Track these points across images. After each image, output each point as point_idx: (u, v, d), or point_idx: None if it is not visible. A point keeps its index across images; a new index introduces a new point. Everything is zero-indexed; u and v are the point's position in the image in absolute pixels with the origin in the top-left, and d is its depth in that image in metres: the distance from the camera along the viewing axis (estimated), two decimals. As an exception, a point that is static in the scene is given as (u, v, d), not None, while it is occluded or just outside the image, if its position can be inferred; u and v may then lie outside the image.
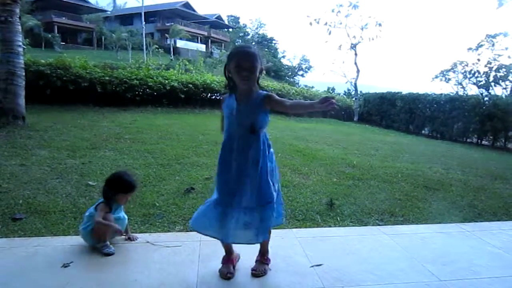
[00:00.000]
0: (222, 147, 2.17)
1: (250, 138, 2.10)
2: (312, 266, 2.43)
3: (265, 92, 2.14)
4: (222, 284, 2.21)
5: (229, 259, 2.34)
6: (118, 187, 2.58)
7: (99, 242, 2.51)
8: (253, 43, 52.81)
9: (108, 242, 2.52)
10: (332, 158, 6.04)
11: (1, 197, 3.41)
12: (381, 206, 3.83)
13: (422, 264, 2.53)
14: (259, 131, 2.11)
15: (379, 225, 3.35)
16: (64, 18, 43.01)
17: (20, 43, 6.93)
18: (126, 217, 2.70)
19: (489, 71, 13.14)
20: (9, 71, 6.65)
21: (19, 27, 6.89)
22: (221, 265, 2.32)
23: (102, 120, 8.26)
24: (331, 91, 25.17)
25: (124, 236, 2.68)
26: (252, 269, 2.33)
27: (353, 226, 3.31)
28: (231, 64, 2.07)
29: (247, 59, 2.04)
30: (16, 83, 6.72)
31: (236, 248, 2.39)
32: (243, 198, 2.11)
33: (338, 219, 3.43)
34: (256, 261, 2.37)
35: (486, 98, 11.91)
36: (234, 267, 2.34)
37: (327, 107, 1.84)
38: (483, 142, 11.74)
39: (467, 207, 4.05)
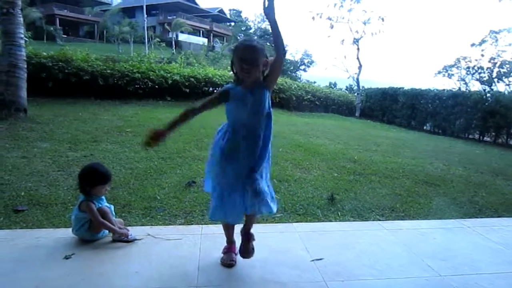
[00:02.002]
0: (230, 136, 2.16)
1: (264, 122, 2.15)
2: (312, 260, 2.43)
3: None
4: (222, 276, 2.23)
5: (230, 248, 2.37)
6: (95, 179, 2.56)
7: (97, 234, 2.54)
8: (255, 37, 52.61)
9: (126, 230, 2.58)
10: (333, 153, 6.04)
11: (3, 189, 3.42)
12: (382, 202, 3.83)
13: (422, 259, 2.54)
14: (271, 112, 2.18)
15: (379, 220, 3.35)
16: (66, 10, 42.93)
17: (22, 36, 6.92)
18: (111, 205, 2.70)
19: (492, 67, 13.10)
20: (11, 63, 6.64)
21: (21, 19, 6.87)
22: (222, 254, 2.35)
23: (104, 113, 8.26)
24: (332, 86, 25.08)
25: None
26: (240, 250, 2.32)
27: (354, 221, 3.31)
28: (235, 57, 2.10)
29: (248, 52, 2.06)
30: (18, 76, 6.72)
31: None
32: (250, 179, 2.12)
33: (339, 214, 3.44)
34: (242, 241, 2.33)
35: (488, 95, 11.87)
36: (235, 256, 2.36)
37: None
38: (485, 138, 11.72)
39: (468, 203, 4.05)
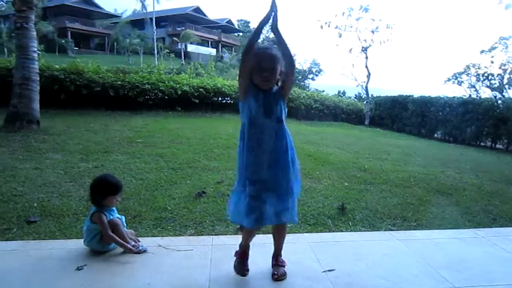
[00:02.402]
0: (243, 136, 2.15)
1: (276, 128, 2.14)
2: (324, 271, 2.41)
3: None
4: (234, 288, 2.22)
5: (245, 254, 2.34)
6: (106, 190, 2.58)
7: (108, 245, 2.55)
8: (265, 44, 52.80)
9: (135, 242, 2.59)
10: (344, 162, 6.01)
11: (16, 200, 3.46)
12: (393, 211, 3.79)
13: (436, 270, 2.50)
14: (284, 120, 2.17)
15: (391, 230, 3.32)
16: (77, 23, 43.82)
17: (35, 49, 7.06)
18: (122, 216, 2.72)
19: (503, 74, 12.95)
20: (24, 76, 6.78)
21: (34, 33, 7.02)
22: (235, 260, 2.33)
23: (114, 124, 8.35)
24: (341, 95, 25.04)
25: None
26: (273, 274, 2.31)
27: (365, 231, 3.28)
28: (253, 64, 2.06)
29: (268, 60, 2.05)
30: (31, 88, 6.84)
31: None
32: (276, 186, 2.13)
33: (350, 223, 3.41)
34: (273, 265, 2.37)
35: (500, 101, 11.73)
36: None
37: None
38: (497, 145, 11.56)
39: (481, 212, 3.98)
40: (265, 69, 2.03)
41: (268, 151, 2.11)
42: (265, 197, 2.11)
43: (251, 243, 2.36)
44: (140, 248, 2.57)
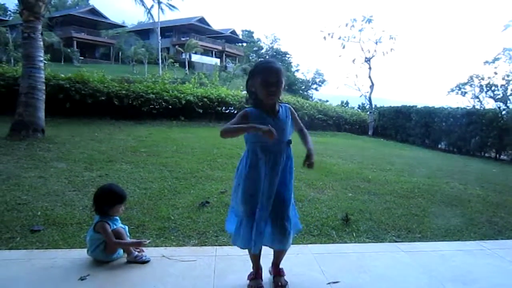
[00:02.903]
0: (256, 162, 2.12)
1: (287, 150, 2.18)
2: (329, 283, 2.39)
3: (287, 105, 2.23)
4: (237, 300, 2.20)
5: (258, 274, 2.33)
6: (113, 199, 2.59)
7: (112, 255, 2.54)
8: (267, 57, 53.15)
9: (137, 253, 2.59)
10: (347, 173, 5.99)
11: (20, 209, 3.47)
12: (397, 222, 3.77)
13: (441, 282, 2.47)
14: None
15: (396, 241, 3.29)
16: (83, 33, 44.28)
17: (42, 58, 7.15)
18: (125, 226, 2.72)
19: (506, 85, 12.95)
20: (30, 85, 6.85)
21: (41, 43, 7.11)
22: (247, 281, 2.31)
23: (119, 133, 8.39)
24: (344, 105, 25.05)
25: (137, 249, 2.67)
26: (277, 284, 2.30)
27: (370, 242, 3.25)
28: (257, 79, 2.07)
29: (274, 74, 2.05)
30: (37, 97, 6.91)
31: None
32: (280, 208, 2.15)
33: (354, 234, 3.38)
34: (274, 275, 2.35)
35: (504, 112, 11.70)
36: (262, 282, 2.32)
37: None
38: (502, 156, 11.50)
39: (486, 224, 3.95)
40: (272, 84, 2.04)
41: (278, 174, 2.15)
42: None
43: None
44: (144, 258, 2.57)
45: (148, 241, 2.64)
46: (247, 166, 2.14)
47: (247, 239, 2.13)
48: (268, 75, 2.04)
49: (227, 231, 2.44)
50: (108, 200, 2.58)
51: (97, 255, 2.53)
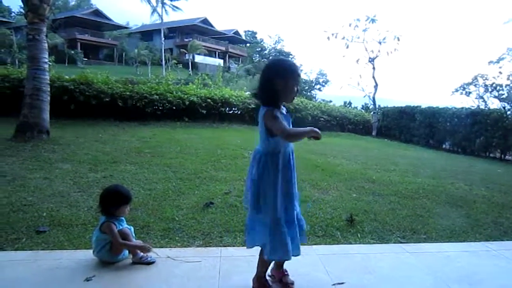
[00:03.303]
0: (284, 163, 2.11)
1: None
2: (334, 284, 2.39)
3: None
4: (242, 301, 2.20)
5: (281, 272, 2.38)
6: (119, 200, 2.61)
7: (117, 256, 2.55)
8: (270, 58, 53.17)
9: (143, 254, 2.59)
10: (351, 173, 5.98)
11: (26, 210, 3.49)
12: (402, 223, 3.76)
13: (447, 283, 2.46)
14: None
15: (401, 242, 3.28)
16: (87, 35, 44.52)
17: (46, 60, 7.17)
18: (131, 227, 2.74)
19: (511, 84, 12.88)
20: (35, 87, 6.88)
21: (46, 44, 7.15)
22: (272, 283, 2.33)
23: (123, 134, 8.42)
24: (348, 105, 25.01)
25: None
26: (289, 284, 2.32)
27: (375, 243, 3.25)
28: (288, 79, 2.05)
29: (300, 74, 2.15)
30: (42, 99, 6.94)
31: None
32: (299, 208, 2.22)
33: (359, 235, 3.38)
34: (282, 276, 2.35)
35: (509, 112, 11.64)
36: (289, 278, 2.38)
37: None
38: (507, 157, 11.44)
39: (492, 224, 3.93)
40: (299, 84, 2.13)
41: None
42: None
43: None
44: (149, 259, 2.57)
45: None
46: (278, 167, 2.08)
47: (286, 247, 2.10)
48: (299, 77, 2.13)
49: (258, 246, 2.24)
50: (114, 200, 2.59)
51: (103, 256, 2.54)
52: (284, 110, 2.12)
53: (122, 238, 2.52)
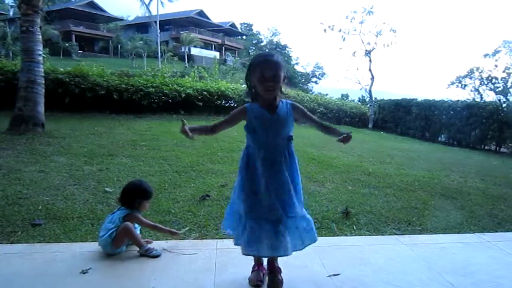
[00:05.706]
0: (253, 159, 2.08)
1: (288, 146, 2.11)
2: (329, 276, 2.40)
3: (290, 101, 2.15)
4: (238, 293, 2.21)
5: (260, 265, 2.31)
6: (143, 195, 2.71)
7: (117, 249, 2.56)
8: (266, 50, 53.00)
9: (150, 246, 2.63)
10: (347, 166, 6.00)
11: (21, 203, 3.47)
12: (398, 215, 3.78)
13: (441, 275, 2.48)
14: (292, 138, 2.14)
15: (396, 234, 3.30)
16: (81, 27, 44.08)
17: (40, 52, 7.10)
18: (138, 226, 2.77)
19: (507, 77, 12.93)
20: (29, 79, 6.82)
21: (40, 36, 7.06)
22: (251, 273, 2.30)
23: (119, 127, 8.38)
24: (344, 98, 25.00)
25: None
26: (275, 281, 2.23)
27: (370, 235, 3.27)
28: (254, 74, 2.01)
29: (270, 68, 1.97)
30: (36, 91, 6.88)
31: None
32: (289, 208, 2.08)
33: (354, 227, 3.40)
34: (271, 272, 2.26)
35: (504, 105, 11.69)
36: (263, 276, 2.28)
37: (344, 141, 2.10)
38: (502, 149, 11.51)
39: (486, 216, 3.96)
40: (269, 79, 1.97)
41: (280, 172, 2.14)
42: None
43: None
44: (154, 252, 2.59)
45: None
46: (244, 162, 2.12)
47: (248, 242, 2.08)
48: (265, 69, 1.96)
49: (223, 229, 2.40)
50: (138, 195, 2.69)
51: (106, 242, 2.53)
52: (260, 108, 2.06)
53: (127, 232, 2.55)
